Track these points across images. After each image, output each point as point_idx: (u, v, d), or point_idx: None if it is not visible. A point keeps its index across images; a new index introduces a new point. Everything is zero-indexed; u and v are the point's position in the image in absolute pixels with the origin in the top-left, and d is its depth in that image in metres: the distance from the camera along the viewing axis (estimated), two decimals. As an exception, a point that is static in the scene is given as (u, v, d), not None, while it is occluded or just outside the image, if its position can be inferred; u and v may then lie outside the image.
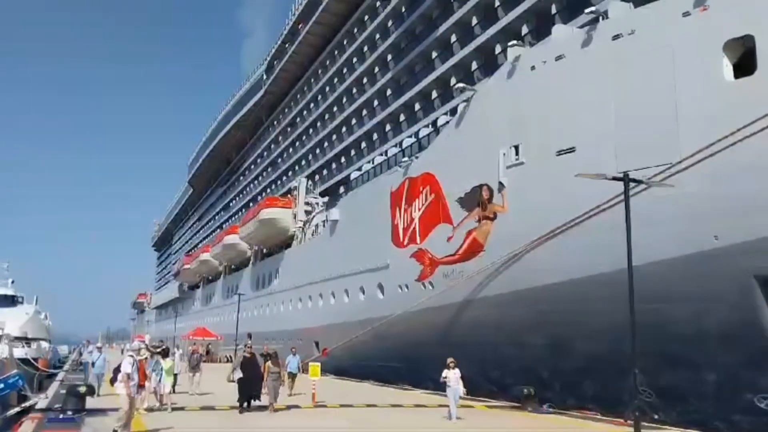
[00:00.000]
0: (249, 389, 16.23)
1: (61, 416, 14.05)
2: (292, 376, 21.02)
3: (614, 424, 14.91)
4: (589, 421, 16.12)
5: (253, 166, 65.91)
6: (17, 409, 17.76)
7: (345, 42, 43.96)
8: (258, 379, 16.54)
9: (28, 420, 14.06)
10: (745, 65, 15.17)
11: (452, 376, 15.40)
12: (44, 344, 39.27)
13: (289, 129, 55.16)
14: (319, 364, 20.03)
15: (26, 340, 35.11)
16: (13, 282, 45.00)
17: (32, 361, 29.29)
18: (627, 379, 11.72)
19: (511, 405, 19.02)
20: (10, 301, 41.00)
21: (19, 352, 29.23)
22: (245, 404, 16.15)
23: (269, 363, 16.87)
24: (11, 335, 28.77)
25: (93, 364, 20.29)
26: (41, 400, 18.13)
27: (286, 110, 56.37)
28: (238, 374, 16.42)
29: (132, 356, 12.52)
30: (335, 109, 44.85)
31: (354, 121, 41.37)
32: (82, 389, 15.07)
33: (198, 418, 15.43)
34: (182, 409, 16.47)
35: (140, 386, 13.16)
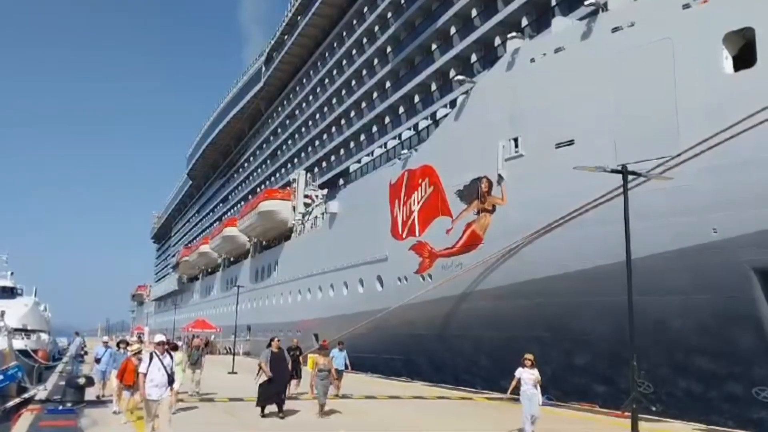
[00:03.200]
0: (277, 390, 13.75)
1: (60, 408, 14.04)
2: (339, 374, 18.25)
3: (613, 416, 14.92)
4: (591, 413, 16.07)
5: (252, 158, 65.82)
6: (16, 400, 17.73)
7: (344, 34, 43.84)
8: (286, 379, 14.54)
9: (27, 411, 14.02)
10: (744, 57, 15.14)
11: (528, 377, 11.73)
12: (43, 336, 39.32)
13: (288, 121, 55.06)
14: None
15: (25, 332, 35.19)
16: (12, 274, 45.05)
17: (31, 352, 29.29)
18: (625, 370, 11.74)
19: (510, 397, 18.98)
20: (10, 292, 41.04)
21: (19, 343, 29.19)
22: (277, 409, 13.63)
23: (317, 357, 14.58)
24: (10, 327, 28.73)
25: (98, 360, 17.44)
26: (40, 392, 18.13)
27: (285, 102, 56.26)
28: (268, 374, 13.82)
29: (152, 352, 9.96)
30: (334, 101, 44.78)
31: (353, 113, 41.29)
32: (81, 381, 15.04)
33: (203, 416, 14.13)
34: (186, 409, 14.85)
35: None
